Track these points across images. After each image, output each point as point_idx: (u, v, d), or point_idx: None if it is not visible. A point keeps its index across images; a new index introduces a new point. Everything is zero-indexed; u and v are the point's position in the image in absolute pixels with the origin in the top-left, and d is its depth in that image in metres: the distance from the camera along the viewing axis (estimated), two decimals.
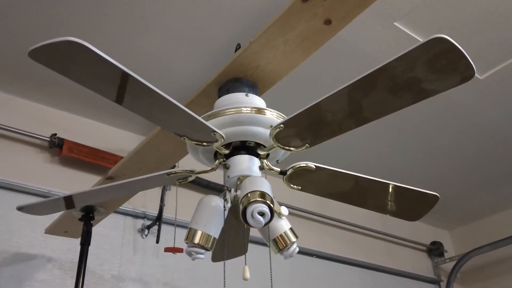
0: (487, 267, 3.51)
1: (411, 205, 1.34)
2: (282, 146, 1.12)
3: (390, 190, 1.29)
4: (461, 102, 2.41)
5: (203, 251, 1.13)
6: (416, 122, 2.56)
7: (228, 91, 1.29)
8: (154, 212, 2.30)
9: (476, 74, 2.23)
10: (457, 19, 1.93)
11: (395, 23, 1.93)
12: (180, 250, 1.98)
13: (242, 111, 1.16)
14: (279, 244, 1.17)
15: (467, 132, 2.66)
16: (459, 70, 0.83)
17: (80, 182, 2.15)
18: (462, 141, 2.74)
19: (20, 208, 1.39)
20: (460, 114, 2.51)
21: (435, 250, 3.58)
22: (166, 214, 2.29)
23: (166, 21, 1.85)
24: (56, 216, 1.76)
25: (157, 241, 2.23)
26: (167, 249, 1.99)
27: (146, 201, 2.34)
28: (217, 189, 2.42)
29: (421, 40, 0.81)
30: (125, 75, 0.88)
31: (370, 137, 2.67)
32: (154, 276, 2.21)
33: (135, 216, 2.30)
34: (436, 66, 0.84)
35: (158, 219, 2.27)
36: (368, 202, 1.35)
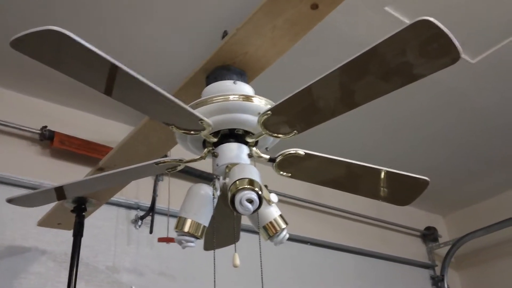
0: (481, 251, 3.54)
1: (402, 190, 1.34)
2: (270, 133, 1.11)
3: (381, 175, 1.29)
4: (453, 87, 2.40)
5: (193, 239, 1.13)
6: (409, 109, 2.55)
7: (216, 79, 1.28)
8: (147, 203, 2.30)
9: (468, 58, 2.22)
10: (448, 3, 1.92)
11: (385, 8, 1.91)
12: (173, 240, 1.98)
13: (230, 98, 1.15)
14: (269, 231, 1.17)
15: (459, 117, 2.66)
16: (445, 52, 0.83)
17: (72, 174, 2.14)
18: (455, 126, 2.74)
19: (9, 200, 1.38)
20: (452, 99, 2.51)
21: (429, 235, 3.60)
22: (159, 205, 2.29)
23: (153, 7, 1.83)
24: (48, 208, 1.76)
25: (151, 232, 2.24)
26: (160, 239, 1.98)
27: (139, 192, 2.33)
28: (209, 179, 2.36)
29: None
30: (113, 67, 0.86)
31: (363, 125, 2.66)
32: (148, 266, 2.22)
33: (128, 207, 2.30)
34: (423, 49, 0.84)
35: (151, 210, 2.27)
36: (359, 188, 1.35)
